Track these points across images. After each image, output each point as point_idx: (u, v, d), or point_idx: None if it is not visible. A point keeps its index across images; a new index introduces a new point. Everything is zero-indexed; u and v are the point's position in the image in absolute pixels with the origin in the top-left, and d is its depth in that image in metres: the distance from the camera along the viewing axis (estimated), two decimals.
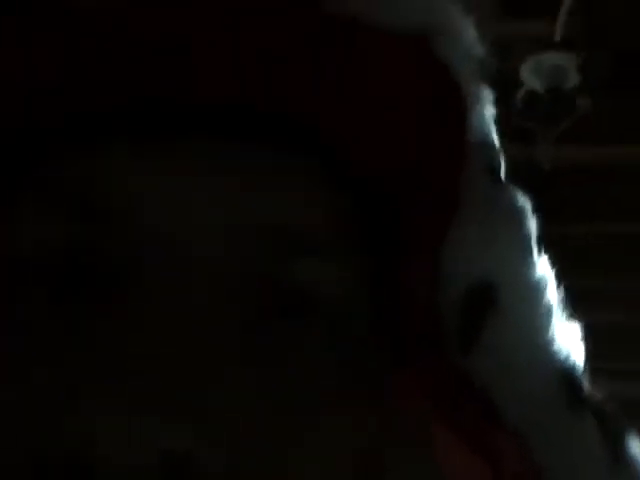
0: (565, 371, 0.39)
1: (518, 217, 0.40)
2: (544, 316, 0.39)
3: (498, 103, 0.40)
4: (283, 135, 0.36)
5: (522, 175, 0.44)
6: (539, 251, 0.40)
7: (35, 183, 0.36)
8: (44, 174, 0.36)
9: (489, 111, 0.40)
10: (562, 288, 0.40)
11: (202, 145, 0.36)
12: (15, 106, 0.35)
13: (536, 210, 0.40)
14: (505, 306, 0.39)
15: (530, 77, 2.08)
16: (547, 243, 0.40)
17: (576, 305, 0.40)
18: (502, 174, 0.40)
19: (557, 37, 2.00)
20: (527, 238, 0.40)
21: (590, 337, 0.41)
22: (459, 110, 0.38)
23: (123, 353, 0.33)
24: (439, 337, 0.38)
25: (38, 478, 0.32)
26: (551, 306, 0.40)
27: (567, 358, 0.39)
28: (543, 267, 0.40)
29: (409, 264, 0.39)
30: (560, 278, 0.40)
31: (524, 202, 0.40)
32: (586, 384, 0.40)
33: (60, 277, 0.35)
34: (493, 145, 0.40)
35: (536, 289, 0.40)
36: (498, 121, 0.40)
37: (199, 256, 0.35)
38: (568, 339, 0.40)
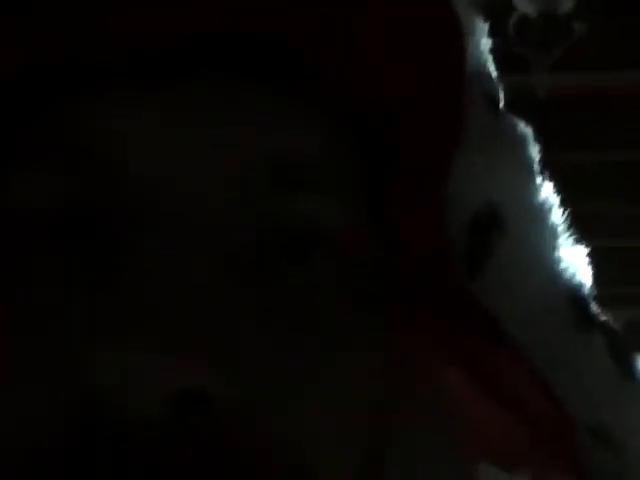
0: (572, 290, 0.40)
1: (520, 143, 0.40)
2: (550, 237, 0.40)
3: (489, 30, 0.41)
4: (281, 70, 0.36)
5: (516, 104, 0.44)
6: (542, 176, 0.41)
7: (32, 133, 0.36)
8: (41, 123, 0.36)
9: (484, 41, 0.40)
10: (566, 213, 0.41)
11: (202, 82, 0.36)
12: (12, 55, 0.35)
13: (534, 138, 0.41)
14: (511, 228, 0.39)
15: (522, 1, 2.05)
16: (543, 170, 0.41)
17: (578, 230, 0.41)
18: (501, 103, 0.41)
19: None
20: (530, 163, 0.41)
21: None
22: (456, 40, 0.37)
23: (131, 300, 0.33)
24: (446, 262, 0.39)
25: (69, 421, 0.33)
26: (556, 227, 0.40)
27: (574, 277, 0.40)
28: (547, 190, 0.41)
29: (411, 194, 0.38)
30: (563, 203, 0.41)
31: (524, 129, 0.41)
32: (594, 304, 0.41)
33: (60, 228, 0.35)
34: (490, 75, 0.40)
35: (541, 211, 0.40)
36: (492, 50, 0.40)
37: (199, 201, 0.35)
38: (574, 259, 0.40)
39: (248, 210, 0.35)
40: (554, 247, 0.40)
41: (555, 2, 2.00)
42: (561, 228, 0.40)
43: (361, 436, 0.36)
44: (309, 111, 0.37)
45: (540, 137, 0.41)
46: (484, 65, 0.40)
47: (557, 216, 0.40)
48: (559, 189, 0.41)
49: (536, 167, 0.40)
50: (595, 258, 0.42)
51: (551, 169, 0.41)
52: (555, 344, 0.39)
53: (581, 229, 0.41)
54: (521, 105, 0.47)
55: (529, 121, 0.42)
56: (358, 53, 0.36)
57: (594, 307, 0.40)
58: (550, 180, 0.41)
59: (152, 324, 0.32)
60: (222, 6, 0.35)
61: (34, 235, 0.35)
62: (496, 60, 0.41)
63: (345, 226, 0.37)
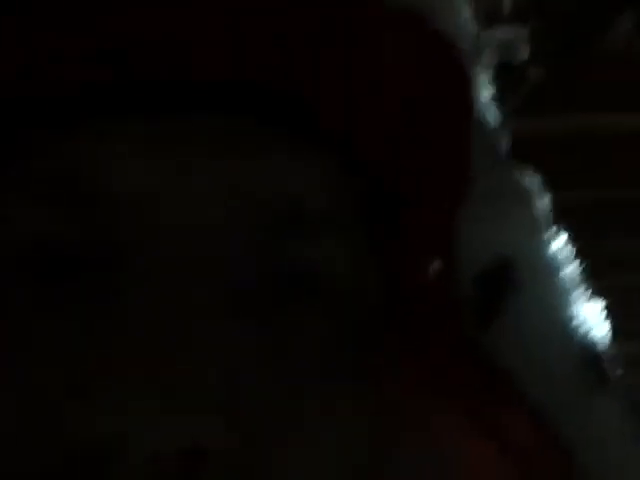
0: (586, 349, 0.39)
1: (526, 197, 0.40)
2: (562, 293, 0.39)
3: None
4: (282, 112, 0.36)
5: None
6: (553, 228, 0.40)
7: (21, 168, 0.35)
8: (30, 159, 0.35)
9: (487, 91, 0.39)
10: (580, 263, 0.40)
11: (201, 122, 0.35)
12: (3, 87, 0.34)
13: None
14: (523, 283, 0.38)
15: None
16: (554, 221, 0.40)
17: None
18: (505, 154, 0.40)
19: (505, 11, 2.00)
20: (537, 217, 0.40)
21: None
22: (463, 88, 0.37)
23: (129, 346, 0.32)
24: (450, 314, 0.38)
25: (68, 465, 0.32)
26: (569, 282, 0.40)
27: (587, 335, 0.39)
28: (558, 243, 0.40)
29: (416, 244, 0.38)
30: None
31: (530, 181, 0.40)
32: (608, 361, 0.40)
33: (50, 263, 0.34)
34: (494, 125, 0.40)
35: (552, 266, 0.39)
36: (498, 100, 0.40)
37: (198, 240, 0.34)
38: (588, 315, 0.40)
39: (248, 249, 0.35)
40: (567, 303, 0.39)
41: (512, 52, 2.04)
42: (574, 282, 0.40)
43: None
44: (310, 152, 0.36)
45: None
46: (487, 114, 0.39)
47: (570, 270, 0.40)
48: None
49: (544, 220, 0.40)
50: None
51: None
52: (567, 403, 0.38)
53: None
54: None
55: None
56: (362, 99, 0.36)
57: (608, 366, 0.40)
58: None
59: (151, 375, 0.32)
60: (229, 57, 0.34)
61: (19, 269, 0.34)
62: None
63: (346, 267, 0.37)
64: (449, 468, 0.39)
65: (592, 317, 0.40)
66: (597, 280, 0.41)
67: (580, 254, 0.40)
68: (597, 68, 2.28)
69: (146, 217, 0.34)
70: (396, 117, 0.36)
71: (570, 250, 0.40)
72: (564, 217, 0.41)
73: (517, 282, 0.38)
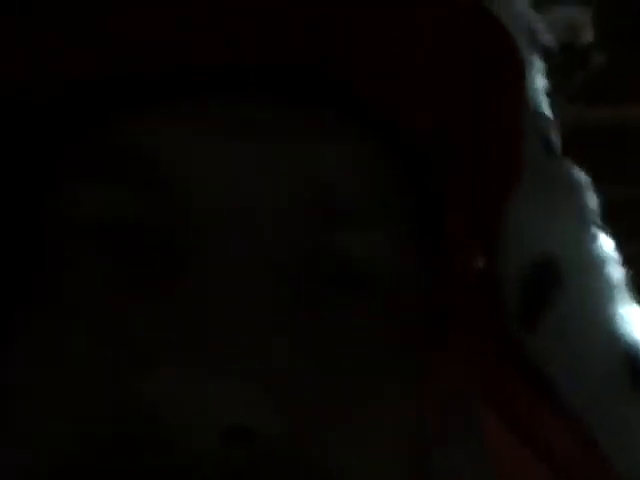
0: (629, 349, 0.39)
1: (577, 190, 0.40)
2: (608, 293, 0.39)
3: None
4: (327, 97, 0.36)
5: None
6: (600, 226, 0.40)
7: (89, 147, 0.36)
8: (89, 141, 0.36)
9: (541, 81, 0.40)
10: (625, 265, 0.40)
11: (239, 107, 0.36)
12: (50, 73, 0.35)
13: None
14: (569, 282, 0.38)
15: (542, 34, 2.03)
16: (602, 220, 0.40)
17: None
18: (558, 147, 0.40)
19: None
20: (587, 212, 0.40)
21: None
22: (516, 74, 0.36)
23: (193, 319, 0.33)
24: (493, 312, 0.38)
25: (117, 432, 0.33)
26: (615, 283, 0.39)
27: (630, 335, 0.39)
28: (606, 242, 0.40)
29: (459, 236, 0.37)
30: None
31: (581, 175, 0.40)
32: None
33: (120, 241, 0.36)
34: (546, 116, 0.40)
35: (599, 264, 0.39)
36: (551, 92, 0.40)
37: (249, 229, 0.35)
38: (632, 316, 0.39)
39: (296, 238, 0.35)
40: (612, 304, 0.39)
41: (575, 34, 1.99)
42: (619, 282, 0.39)
43: (397, 471, 0.36)
44: (359, 140, 0.36)
45: None
46: (540, 104, 0.40)
47: (615, 269, 0.39)
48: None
49: (594, 217, 0.39)
50: None
51: None
52: (608, 404, 0.38)
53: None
54: None
55: None
56: (413, 80, 0.35)
57: None
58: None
59: (201, 353, 0.32)
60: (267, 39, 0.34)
61: (94, 248, 0.36)
62: None
63: (392, 261, 0.37)
64: (488, 469, 0.39)
65: (635, 318, 0.39)
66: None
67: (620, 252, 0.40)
68: None
69: (202, 200, 0.35)
70: (445, 99, 0.36)
71: (615, 248, 0.40)
72: (611, 214, 0.40)
73: (563, 280, 0.38)
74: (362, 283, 0.36)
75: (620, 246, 0.41)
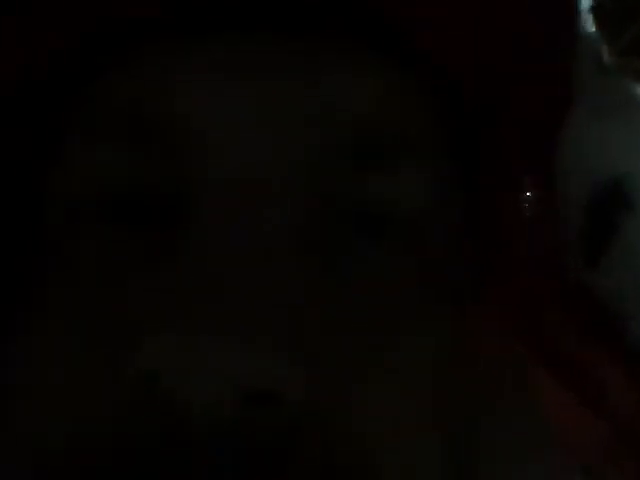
0: None
1: (637, 105, 0.38)
2: None
3: None
4: (368, 33, 0.34)
5: None
6: None
7: (84, 103, 0.36)
8: (92, 93, 0.36)
9: (586, 2, 0.38)
10: None
11: (252, 44, 0.34)
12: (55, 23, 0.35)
13: None
14: (638, 206, 0.37)
15: None
16: None
17: None
18: (610, 65, 0.38)
19: None
20: None
21: None
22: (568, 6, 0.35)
23: (201, 280, 0.32)
24: (553, 254, 0.36)
25: (131, 402, 0.32)
26: None
27: None
28: None
29: (509, 171, 0.36)
30: None
31: (638, 89, 0.38)
32: None
33: (123, 201, 0.35)
34: (594, 34, 0.38)
35: None
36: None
37: (263, 178, 0.34)
38: None
39: (313, 187, 0.34)
40: None
41: None
42: None
43: (431, 436, 0.34)
44: (391, 73, 0.35)
45: None
46: (586, 24, 0.38)
47: None
48: None
49: None
50: None
51: None
52: None
53: None
54: None
55: None
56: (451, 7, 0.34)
57: None
58: None
59: (216, 315, 0.31)
60: None
61: (95, 210, 0.35)
62: None
63: (425, 203, 0.35)
64: (538, 423, 0.38)
65: None
66: None
67: None
68: None
69: (213, 149, 0.34)
70: (495, 40, 0.35)
71: None
72: None
73: (632, 205, 0.36)
74: (393, 229, 0.35)
75: None
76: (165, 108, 0.34)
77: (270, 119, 0.34)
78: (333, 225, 0.34)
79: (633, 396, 0.36)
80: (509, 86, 0.35)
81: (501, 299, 0.38)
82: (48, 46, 0.35)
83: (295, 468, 0.31)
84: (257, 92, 0.34)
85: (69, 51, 0.35)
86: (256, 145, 0.34)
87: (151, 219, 0.35)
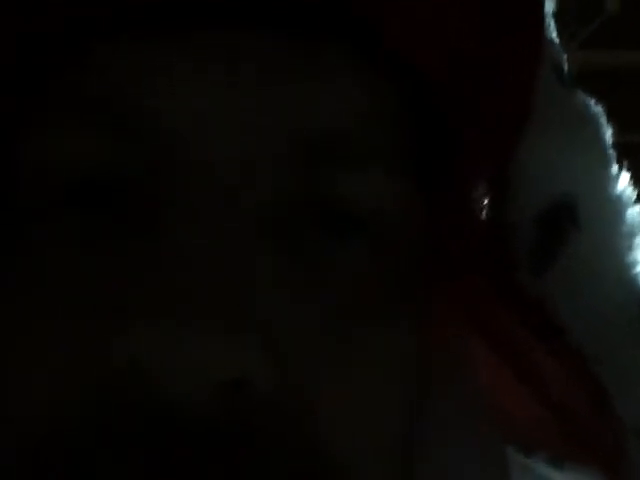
0: None
1: (594, 124, 0.37)
2: (626, 236, 0.37)
3: None
4: (340, 34, 0.34)
5: None
6: (618, 164, 0.38)
7: (60, 91, 0.34)
8: (68, 80, 0.34)
9: (550, 4, 0.36)
10: None
11: (225, 39, 0.34)
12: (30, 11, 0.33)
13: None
14: (585, 223, 0.37)
15: None
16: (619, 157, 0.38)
17: None
18: (570, 76, 0.37)
19: None
20: (605, 147, 0.38)
21: None
22: (534, 13, 0.35)
23: (173, 271, 0.32)
24: (501, 256, 0.37)
25: (101, 394, 0.32)
26: (633, 225, 0.37)
27: None
28: (623, 182, 0.38)
29: (469, 176, 0.36)
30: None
31: (596, 108, 0.38)
32: None
33: (89, 190, 0.34)
34: (557, 44, 0.37)
35: (617, 205, 0.37)
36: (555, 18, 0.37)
37: (231, 175, 0.33)
38: None
39: (281, 180, 0.34)
40: (629, 247, 0.37)
41: None
42: (637, 226, 0.37)
43: (393, 421, 0.35)
44: (356, 71, 0.34)
45: None
46: (550, 31, 0.36)
47: (634, 212, 0.37)
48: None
49: (611, 152, 0.37)
50: None
51: None
52: (619, 350, 0.37)
53: None
54: None
55: None
56: (420, 6, 0.33)
57: None
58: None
59: (186, 304, 0.31)
60: None
61: (62, 199, 0.34)
62: None
63: (388, 203, 0.35)
64: (487, 404, 0.39)
65: None
66: None
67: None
68: None
69: (186, 148, 0.33)
70: (462, 39, 0.34)
71: (633, 192, 0.38)
72: (625, 157, 0.39)
73: (580, 221, 0.36)
74: (353, 227, 0.35)
75: None
76: (134, 101, 0.33)
77: (240, 111, 0.33)
78: (299, 219, 0.34)
79: (563, 374, 0.37)
80: (478, 89, 0.35)
81: (454, 294, 0.38)
82: (16, 30, 0.33)
83: (265, 452, 0.32)
84: (236, 92, 0.33)
85: (39, 36, 0.34)
86: (225, 135, 0.33)
87: (120, 204, 0.34)
